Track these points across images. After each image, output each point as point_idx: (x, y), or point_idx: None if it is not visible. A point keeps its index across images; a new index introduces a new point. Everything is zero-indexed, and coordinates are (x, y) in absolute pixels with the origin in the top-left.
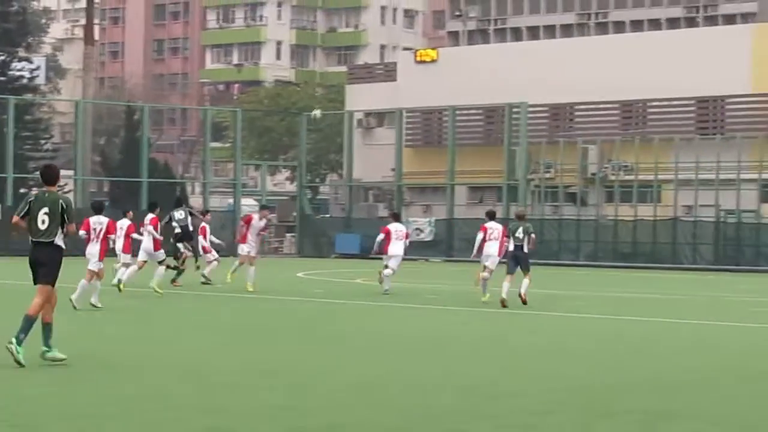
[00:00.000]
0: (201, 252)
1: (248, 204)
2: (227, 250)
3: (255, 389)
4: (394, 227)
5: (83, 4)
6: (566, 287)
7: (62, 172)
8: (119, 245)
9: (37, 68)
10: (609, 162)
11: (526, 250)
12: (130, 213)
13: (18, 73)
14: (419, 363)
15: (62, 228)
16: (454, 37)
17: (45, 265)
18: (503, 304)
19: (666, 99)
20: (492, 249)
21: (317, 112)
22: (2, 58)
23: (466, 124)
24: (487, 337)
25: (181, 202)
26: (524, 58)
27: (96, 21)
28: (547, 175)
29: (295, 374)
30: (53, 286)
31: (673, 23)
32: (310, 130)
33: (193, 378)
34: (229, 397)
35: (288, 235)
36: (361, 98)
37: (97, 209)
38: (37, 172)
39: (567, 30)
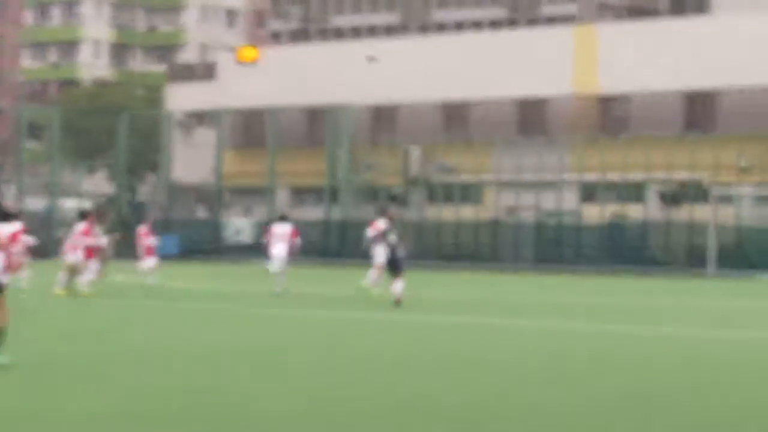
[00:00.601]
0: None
1: (71, 206)
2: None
3: None
4: (277, 228)
5: None
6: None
7: None
8: None
9: None
10: (431, 163)
11: (401, 253)
12: None
13: None
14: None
15: None
16: (276, 37)
17: None
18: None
19: (488, 100)
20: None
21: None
22: None
23: (288, 125)
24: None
25: None
26: (347, 59)
27: None
28: (369, 177)
29: None
30: None
31: (495, 25)
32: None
33: None
34: None
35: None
36: (181, 98)
37: None
38: None
39: (390, 30)
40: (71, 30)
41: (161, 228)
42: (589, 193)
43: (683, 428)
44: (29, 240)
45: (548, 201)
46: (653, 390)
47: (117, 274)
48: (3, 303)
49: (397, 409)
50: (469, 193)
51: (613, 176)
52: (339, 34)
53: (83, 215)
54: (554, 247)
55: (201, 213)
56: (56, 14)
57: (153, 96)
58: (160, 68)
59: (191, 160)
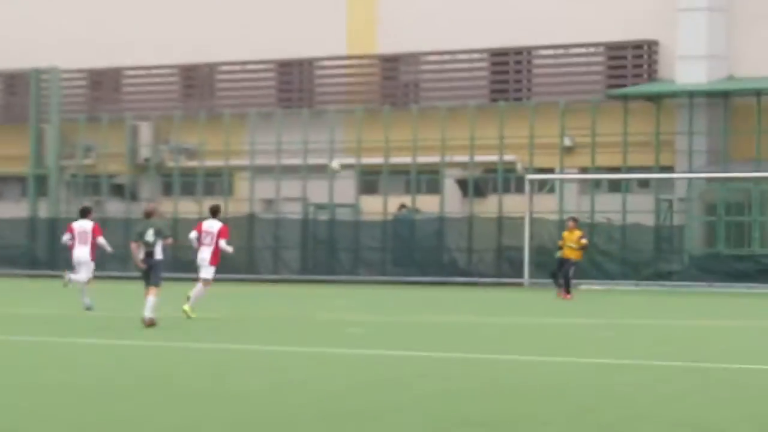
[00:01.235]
0: None
1: None
2: None
3: None
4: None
5: None
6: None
7: None
8: None
9: None
10: (166, 144)
11: (159, 256)
12: None
13: None
14: None
15: None
16: None
17: None
18: (149, 323)
19: (240, 63)
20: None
21: (335, 165)
22: None
23: None
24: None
25: None
26: (55, 12)
27: None
28: (87, 162)
29: None
30: None
31: None
32: None
33: None
34: None
35: None
36: None
37: None
38: None
39: None
40: None
41: None
42: (369, 181)
43: None
44: None
45: (318, 192)
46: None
47: None
48: None
49: None
50: (215, 182)
51: (401, 159)
52: None
53: None
54: (326, 250)
55: None
56: None
57: None
58: None
59: None
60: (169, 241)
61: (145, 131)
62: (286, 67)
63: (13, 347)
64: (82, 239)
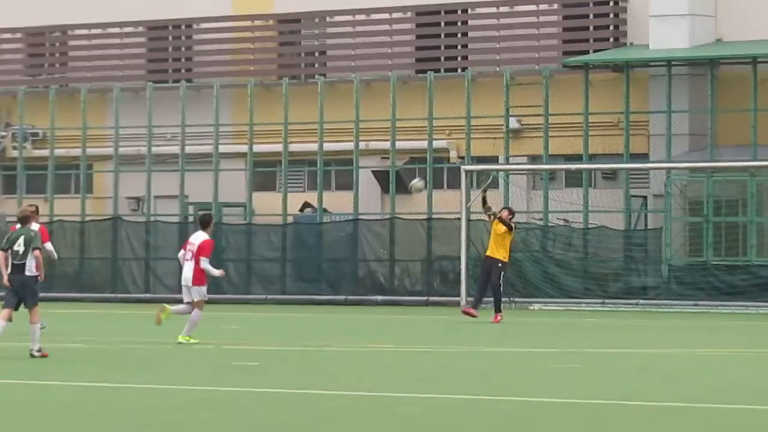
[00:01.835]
0: None
1: None
2: None
3: None
4: None
5: None
6: None
7: None
8: None
9: None
10: (8, 127)
11: (30, 272)
12: None
13: None
14: None
15: None
16: None
17: None
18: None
19: (99, 25)
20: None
21: (418, 183)
22: None
23: None
24: None
25: None
26: None
27: None
28: None
29: None
30: None
31: None
32: None
33: None
34: None
35: None
36: None
37: None
38: None
39: None
40: None
41: None
42: (264, 173)
43: None
44: None
45: (199, 188)
46: None
47: None
48: None
49: None
50: (69, 176)
51: (304, 146)
52: None
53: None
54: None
55: None
56: None
57: None
58: None
59: None
60: (37, 253)
61: None
62: (157, 31)
63: None
64: None
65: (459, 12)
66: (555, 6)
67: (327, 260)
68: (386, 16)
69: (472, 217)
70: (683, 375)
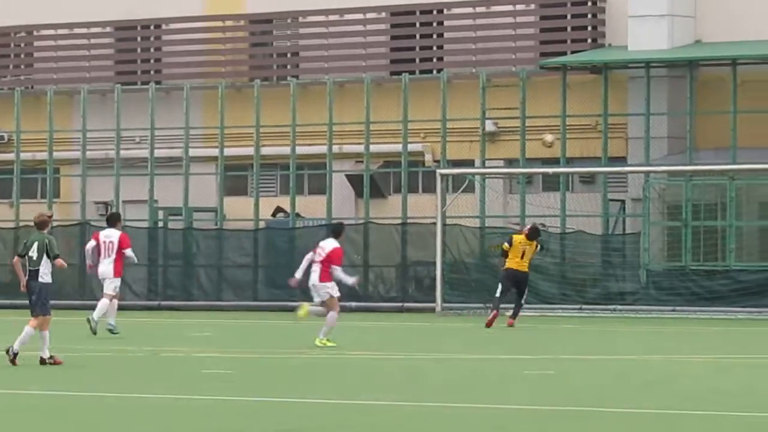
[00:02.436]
0: None
1: None
2: None
3: None
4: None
5: None
6: None
7: None
8: None
9: None
10: None
11: (44, 279)
12: None
13: None
14: None
15: None
16: None
17: None
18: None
19: (65, 25)
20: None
21: (549, 138)
22: None
23: None
24: None
25: None
26: None
27: None
28: None
29: None
30: None
31: None
32: None
33: None
34: None
35: None
36: None
37: None
38: None
39: None
40: None
41: None
42: (235, 178)
43: None
44: None
45: (169, 192)
46: None
47: None
48: None
49: None
50: (35, 182)
51: (276, 149)
52: None
53: None
54: (180, 268)
55: None
56: None
57: None
58: None
59: None
60: (60, 262)
61: None
62: (125, 32)
63: None
64: None
65: (434, 12)
66: (532, 6)
67: (299, 266)
68: (360, 16)
69: (448, 221)
70: (661, 381)
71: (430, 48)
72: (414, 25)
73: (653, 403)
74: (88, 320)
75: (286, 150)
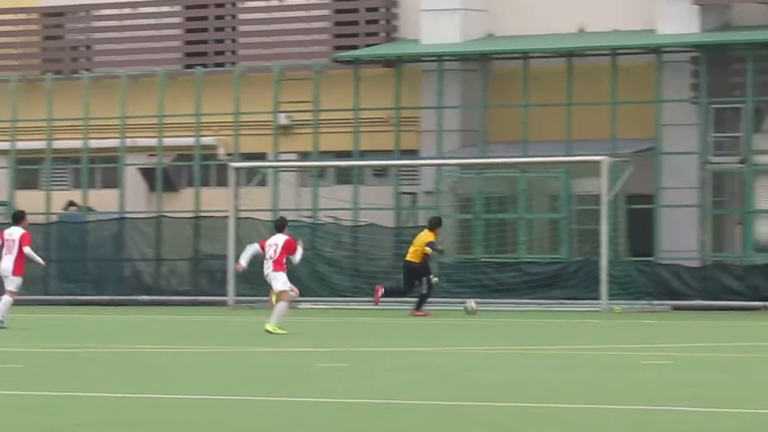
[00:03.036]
0: None
1: None
2: None
3: None
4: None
5: None
6: None
7: None
8: None
9: None
10: None
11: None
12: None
13: None
14: None
15: None
16: None
17: None
18: None
19: None
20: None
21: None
22: None
23: None
24: None
25: None
26: None
27: None
28: None
29: None
30: None
31: None
32: None
33: None
34: None
35: None
36: None
37: None
38: None
39: None
40: None
41: None
42: (26, 171)
43: None
44: None
45: None
46: None
47: None
48: None
49: None
50: None
51: (68, 143)
52: None
53: None
54: None
55: None
56: None
57: None
58: None
59: None
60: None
61: None
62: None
63: None
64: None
65: (228, 6)
66: (326, 0)
67: (92, 260)
68: (154, 9)
69: (241, 215)
70: (452, 373)
71: (224, 41)
72: (207, 18)
73: (444, 395)
74: None
75: (79, 143)
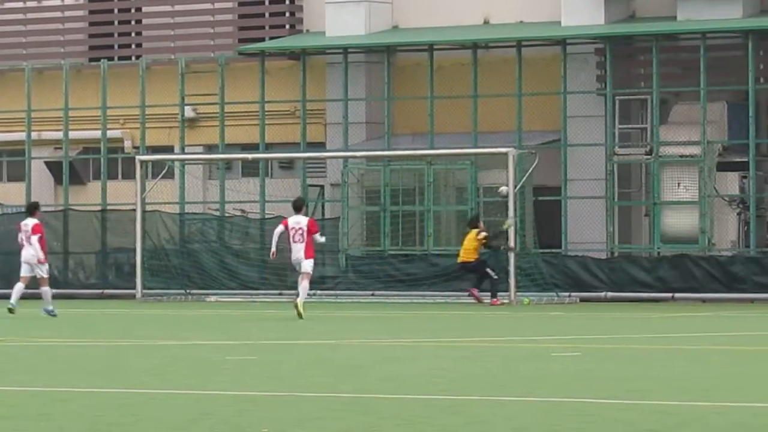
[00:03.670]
0: None
1: None
2: None
3: None
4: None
5: None
6: None
7: None
8: None
9: None
10: None
11: None
12: None
13: None
14: None
15: None
16: None
17: None
18: None
19: None
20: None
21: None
22: None
23: None
24: None
25: None
26: None
27: None
28: None
29: None
30: None
31: None
32: None
33: None
34: None
35: None
36: None
37: None
38: None
39: None
40: None
41: None
42: None
43: None
44: None
45: None
46: None
47: None
48: None
49: None
50: None
51: None
52: None
53: None
54: None
55: None
56: None
57: None
58: None
59: None
60: None
61: None
62: None
63: None
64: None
65: None
66: None
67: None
68: (58, 2)
69: (147, 208)
70: (361, 366)
71: (129, 34)
72: (112, 11)
73: (352, 388)
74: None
75: None
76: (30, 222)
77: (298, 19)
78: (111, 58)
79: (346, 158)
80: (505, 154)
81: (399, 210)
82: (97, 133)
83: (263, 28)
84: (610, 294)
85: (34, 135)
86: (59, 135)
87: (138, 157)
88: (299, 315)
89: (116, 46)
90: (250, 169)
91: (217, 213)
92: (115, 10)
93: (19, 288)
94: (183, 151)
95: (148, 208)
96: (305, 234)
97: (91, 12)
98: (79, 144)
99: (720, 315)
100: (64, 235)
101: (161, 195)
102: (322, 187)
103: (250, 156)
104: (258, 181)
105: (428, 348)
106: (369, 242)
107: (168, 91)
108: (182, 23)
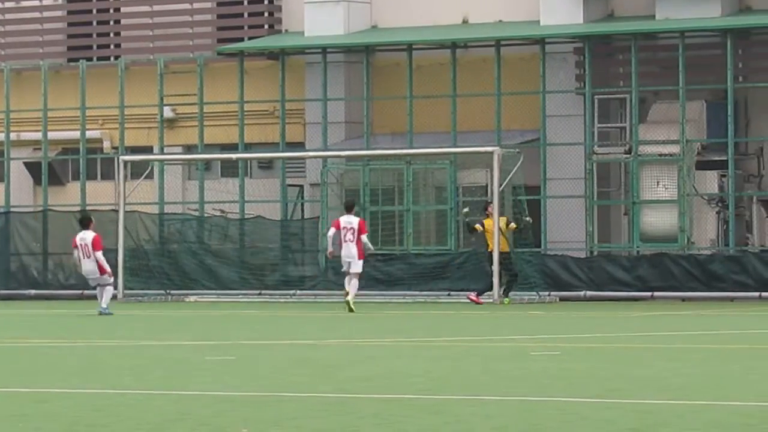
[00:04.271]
0: None
1: None
2: None
3: None
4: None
5: None
6: None
7: None
8: None
9: None
10: None
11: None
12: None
13: None
14: None
15: None
16: None
17: None
18: None
19: None
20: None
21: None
22: None
23: None
24: None
25: None
26: None
27: None
28: None
29: None
30: None
31: None
32: None
33: None
34: None
35: None
36: None
37: None
38: None
39: None
40: None
41: None
42: None
43: None
44: None
45: None
46: None
47: None
48: None
49: None
50: None
51: None
52: None
53: None
54: None
55: None
56: None
57: None
58: None
59: None
60: None
61: None
62: None
63: None
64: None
65: None
66: None
67: None
68: (37, 3)
69: (127, 208)
70: (340, 365)
71: (108, 35)
72: (91, 11)
73: (332, 387)
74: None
75: None
76: (88, 236)
77: (277, 19)
78: (90, 59)
79: (325, 158)
80: (490, 153)
81: (378, 210)
82: (76, 134)
83: (242, 28)
84: (589, 293)
85: (13, 136)
86: (38, 136)
87: (121, 158)
88: (350, 310)
89: (95, 47)
90: (229, 169)
91: (197, 213)
92: (94, 11)
93: (98, 293)
94: (162, 152)
95: (127, 208)
96: (356, 233)
97: (70, 12)
98: (58, 144)
99: (699, 313)
100: (44, 235)
101: (140, 195)
102: (301, 187)
103: (229, 156)
104: (237, 181)
105: (408, 348)
106: None
107: (147, 92)
108: (161, 23)
